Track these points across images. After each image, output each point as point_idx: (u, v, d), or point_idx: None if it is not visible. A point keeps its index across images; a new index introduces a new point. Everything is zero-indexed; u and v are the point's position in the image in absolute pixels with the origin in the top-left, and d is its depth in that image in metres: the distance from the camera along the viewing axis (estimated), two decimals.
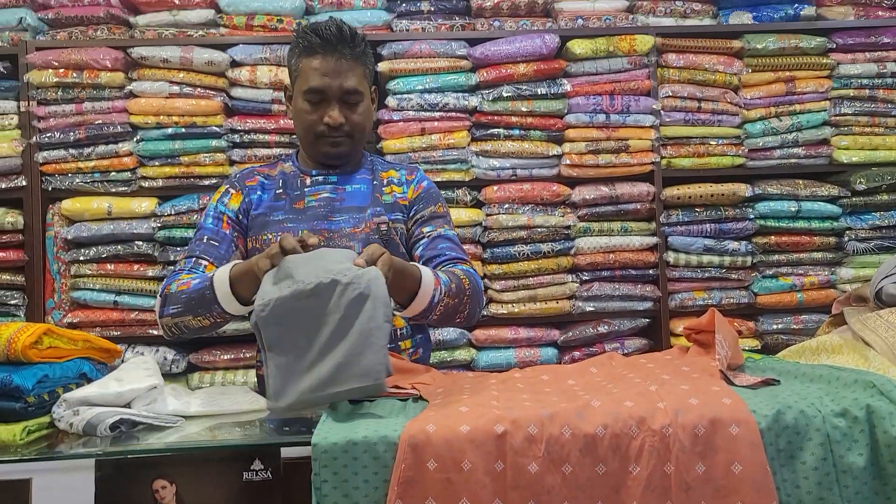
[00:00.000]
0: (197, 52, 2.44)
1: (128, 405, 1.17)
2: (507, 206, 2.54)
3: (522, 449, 0.94)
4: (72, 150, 2.45)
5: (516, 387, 1.18)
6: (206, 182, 2.48)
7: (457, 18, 2.67)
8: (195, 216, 2.45)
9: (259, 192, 1.62)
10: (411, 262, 1.44)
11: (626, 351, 2.55)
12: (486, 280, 2.54)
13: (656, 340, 2.59)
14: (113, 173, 2.47)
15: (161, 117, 2.46)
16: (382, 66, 2.50)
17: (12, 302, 2.43)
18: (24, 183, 2.45)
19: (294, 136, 2.50)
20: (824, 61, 2.60)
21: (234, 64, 2.50)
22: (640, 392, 1.03)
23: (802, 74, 2.61)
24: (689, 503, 0.92)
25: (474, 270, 1.55)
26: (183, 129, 2.46)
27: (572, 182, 2.59)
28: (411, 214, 1.64)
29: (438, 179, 2.46)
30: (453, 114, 2.53)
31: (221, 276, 1.37)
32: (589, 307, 2.55)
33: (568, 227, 2.55)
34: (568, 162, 2.56)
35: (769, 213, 2.57)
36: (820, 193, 2.57)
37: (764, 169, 2.63)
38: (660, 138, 2.58)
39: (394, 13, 2.64)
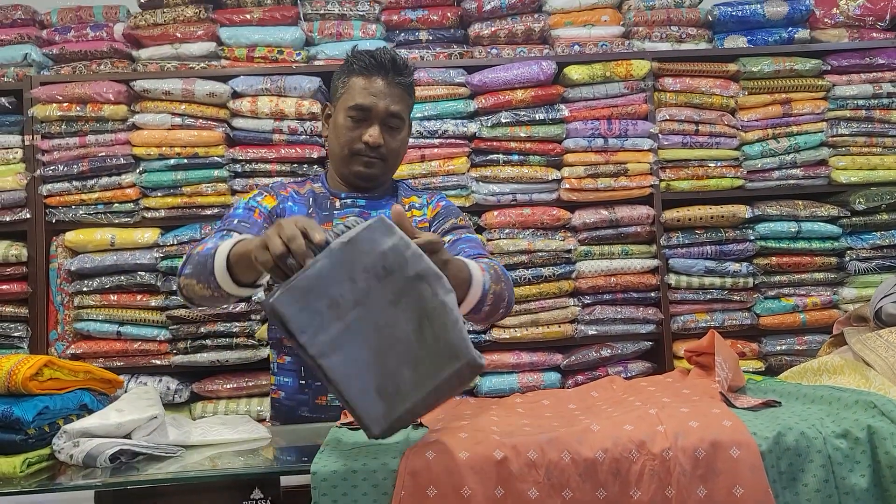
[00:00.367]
0: (199, 84, 2.48)
1: (128, 436, 1.17)
2: (507, 230, 2.55)
3: (522, 475, 0.93)
4: (75, 183, 2.48)
5: (516, 412, 1.18)
6: (209, 212, 2.50)
7: (455, 47, 2.71)
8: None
9: (290, 203, 1.59)
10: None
11: (629, 374, 2.54)
12: None
13: (659, 363, 2.58)
14: (116, 204, 2.50)
15: (163, 148, 2.49)
16: None
17: (16, 334, 2.44)
18: (27, 215, 2.48)
19: (295, 165, 2.52)
20: (820, 83, 2.62)
21: (236, 95, 2.53)
22: (640, 415, 1.03)
23: (798, 96, 2.64)
24: None
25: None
26: (185, 160, 2.49)
27: (572, 206, 2.60)
28: (432, 230, 1.59)
29: None
30: (452, 140, 2.56)
31: (223, 249, 1.28)
32: (591, 331, 2.55)
33: (569, 251, 2.56)
34: (567, 186, 2.57)
35: (769, 234, 2.57)
36: (819, 214, 2.57)
37: (763, 190, 2.64)
38: (658, 161, 2.60)
39: (392, 42, 2.68)
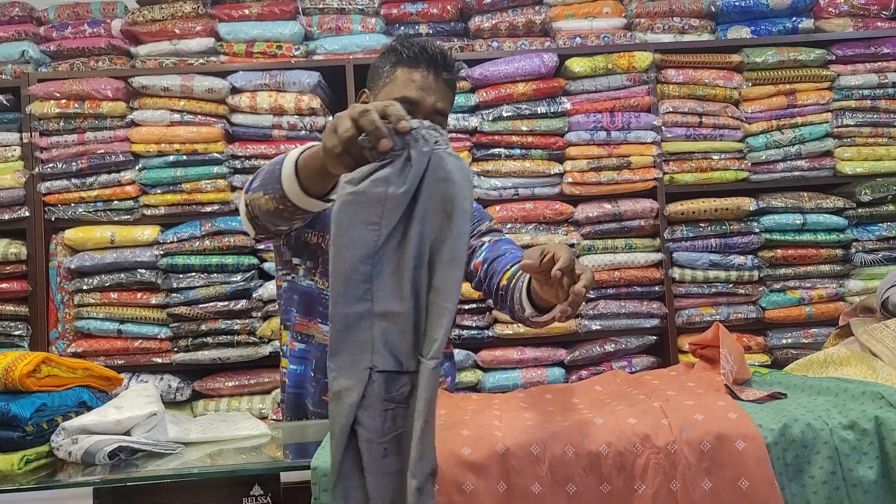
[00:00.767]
0: (197, 80, 2.47)
1: (127, 433, 1.16)
2: (510, 225, 2.53)
3: (525, 469, 0.92)
4: (74, 180, 2.47)
5: (519, 406, 1.17)
6: (209, 208, 2.49)
7: (455, 40, 2.69)
8: (197, 243, 2.45)
9: None
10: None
11: (633, 369, 2.52)
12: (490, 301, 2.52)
13: (664, 358, 2.56)
14: (115, 202, 2.49)
15: (162, 145, 2.48)
16: None
17: (16, 333, 2.43)
18: (26, 214, 2.47)
19: None
20: (824, 73, 2.60)
21: (234, 90, 2.52)
22: (644, 409, 1.01)
23: (803, 87, 2.61)
24: None
25: None
26: (184, 157, 2.48)
27: (575, 200, 2.58)
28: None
29: None
30: (453, 134, 2.54)
31: (293, 153, 1.17)
32: (595, 325, 2.53)
33: (572, 246, 2.54)
34: (570, 180, 2.55)
35: (774, 226, 2.55)
36: (825, 205, 2.55)
37: (768, 182, 2.61)
38: (661, 154, 2.58)
39: (392, 37, 2.66)
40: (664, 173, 2.57)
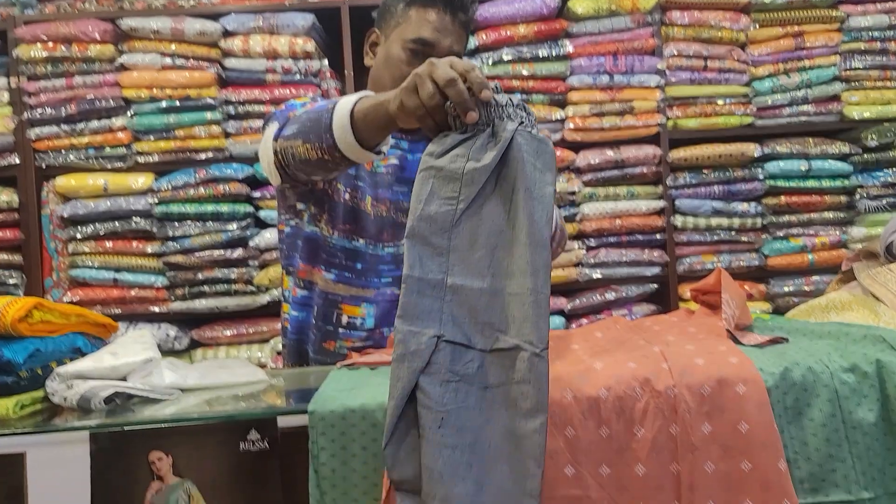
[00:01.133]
0: (188, 23, 2.40)
1: (123, 379, 1.15)
2: None
3: None
4: (64, 126, 2.43)
5: None
6: (203, 156, 2.45)
7: None
8: (192, 191, 2.42)
9: None
10: None
11: (633, 317, 2.52)
12: None
13: (664, 306, 2.56)
14: (107, 149, 2.45)
15: (154, 90, 2.42)
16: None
17: (11, 282, 2.42)
18: (17, 160, 2.43)
19: None
20: (834, 14, 2.52)
21: (227, 34, 2.45)
22: (644, 354, 1.00)
23: (811, 28, 2.54)
24: (694, 464, 0.89)
25: None
26: (177, 103, 2.42)
27: (576, 146, 2.54)
28: None
29: None
30: None
31: (346, 102, 1.12)
32: (596, 274, 2.52)
33: (573, 193, 2.51)
34: (572, 126, 2.51)
35: (779, 172, 2.51)
36: (830, 151, 2.52)
37: (773, 128, 2.57)
38: (665, 99, 2.53)
39: None
40: (667, 118, 2.53)
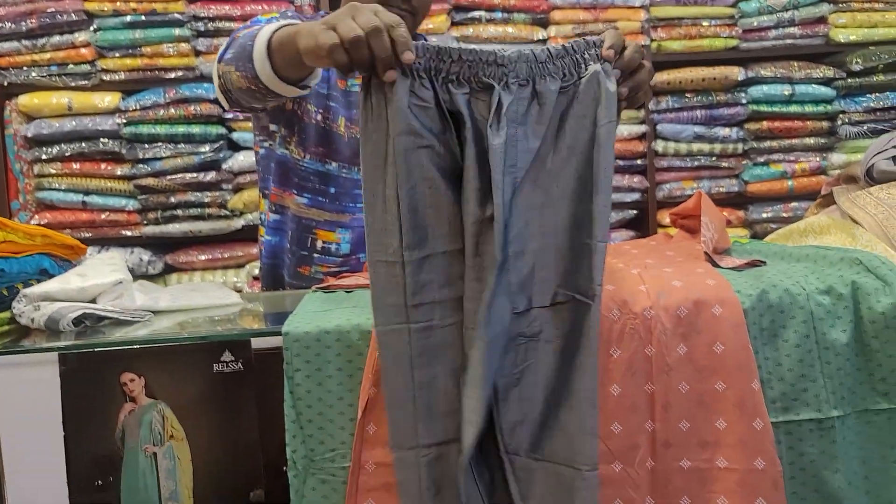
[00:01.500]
0: None
1: (92, 301, 1.13)
2: None
3: None
4: (25, 42, 2.32)
5: None
6: (172, 74, 2.36)
7: None
8: (161, 111, 2.34)
9: None
10: None
11: (612, 243, 2.51)
12: None
13: (643, 232, 2.56)
14: (71, 66, 2.34)
15: (118, 3, 2.30)
16: None
17: None
18: None
19: None
20: None
21: None
22: (622, 276, 1.00)
23: None
24: (669, 384, 0.90)
25: None
26: (143, 17, 2.31)
27: None
28: None
29: None
30: None
31: (267, 29, 1.05)
32: None
33: None
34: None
35: (762, 97, 2.48)
36: (815, 76, 2.48)
37: (758, 51, 2.52)
38: (650, 19, 2.46)
39: None
40: (652, 40, 2.47)
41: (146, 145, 2.35)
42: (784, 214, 2.55)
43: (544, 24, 2.45)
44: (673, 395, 0.89)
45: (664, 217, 2.51)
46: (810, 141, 2.53)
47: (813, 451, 0.89)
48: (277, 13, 1.37)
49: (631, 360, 0.91)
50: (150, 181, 2.35)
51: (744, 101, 2.49)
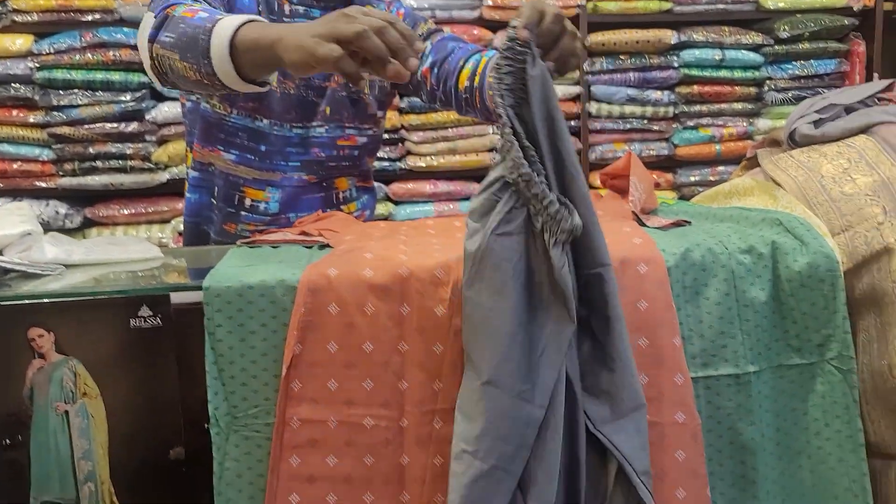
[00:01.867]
0: None
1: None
2: None
3: (428, 293, 0.90)
4: None
5: (427, 233, 1.14)
6: (89, 17, 2.23)
7: None
8: (77, 56, 2.20)
9: None
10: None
11: None
12: (402, 131, 2.43)
13: None
14: None
15: None
16: None
17: None
18: None
19: None
20: None
21: None
22: None
23: None
24: None
25: None
26: None
27: (495, 26, 2.45)
28: None
29: None
30: None
31: (227, 26, 0.99)
32: None
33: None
34: (490, 3, 2.40)
35: (693, 61, 2.52)
36: (744, 41, 2.53)
37: (690, 15, 2.56)
38: None
39: None
40: (587, 1, 2.46)
41: (61, 92, 2.22)
42: (711, 178, 2.62)
43: None
44: None
45: (596, 179, 2.54)
46: (738, 106, 2.60)
47: (730, 405, 0.92)
48: None
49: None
50: (66, 130, 2.22)
51: (676, 65, 2.52)
